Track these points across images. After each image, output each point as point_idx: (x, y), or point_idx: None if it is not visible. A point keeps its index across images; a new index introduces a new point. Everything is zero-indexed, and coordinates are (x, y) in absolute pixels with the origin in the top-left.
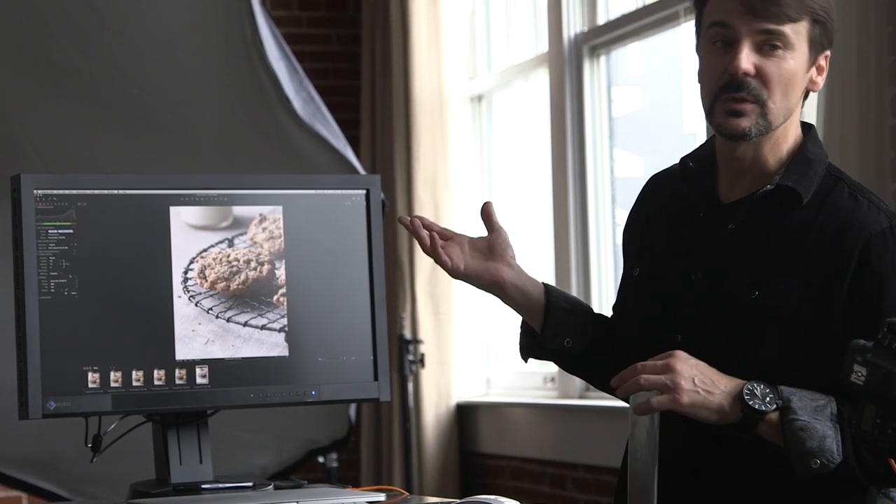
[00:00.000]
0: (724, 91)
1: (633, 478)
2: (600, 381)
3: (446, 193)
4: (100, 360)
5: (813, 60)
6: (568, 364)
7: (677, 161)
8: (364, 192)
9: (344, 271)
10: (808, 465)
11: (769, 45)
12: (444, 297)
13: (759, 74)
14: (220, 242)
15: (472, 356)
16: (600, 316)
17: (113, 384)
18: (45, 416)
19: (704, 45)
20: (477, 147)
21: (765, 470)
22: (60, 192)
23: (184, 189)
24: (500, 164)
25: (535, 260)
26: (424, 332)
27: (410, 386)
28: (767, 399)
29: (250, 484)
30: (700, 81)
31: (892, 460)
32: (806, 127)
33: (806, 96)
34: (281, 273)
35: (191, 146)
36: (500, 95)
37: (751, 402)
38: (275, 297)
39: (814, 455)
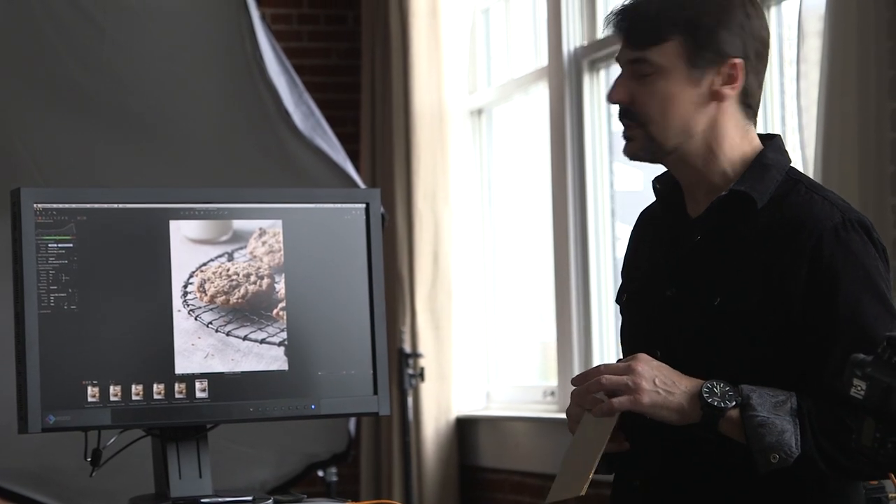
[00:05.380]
0: (619, 118)
1: (571, 461)
2: None
3: (446, 207)
4: (99, 374)
5: (701, 74)
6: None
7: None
8: (364, 205)
9: (343, 285)
10: (767, 460)
11: (640, 71)
12: (443, 311)
13: (634, 101)
14: (220, 256)
15: (472, 370)
16: None
17: (112, 398)
18: (45, 430)
19: None
20: (477, 161)
21: (742, 483)
22: (60, 205)
23: (183, 203)
24: (500, 178)
25: (535, 274)
26: (424, 346)
27: (410, 400)
28: (727, 397)
29: (249, 498)
30: None
31: (893, 474)
32: (769, 136)
33: (751, 107)
34: (280, 287)
35: (190, 159)
36: (499, 109)
37: (710, 400)
38: (274, 311)
39: (772, 450)
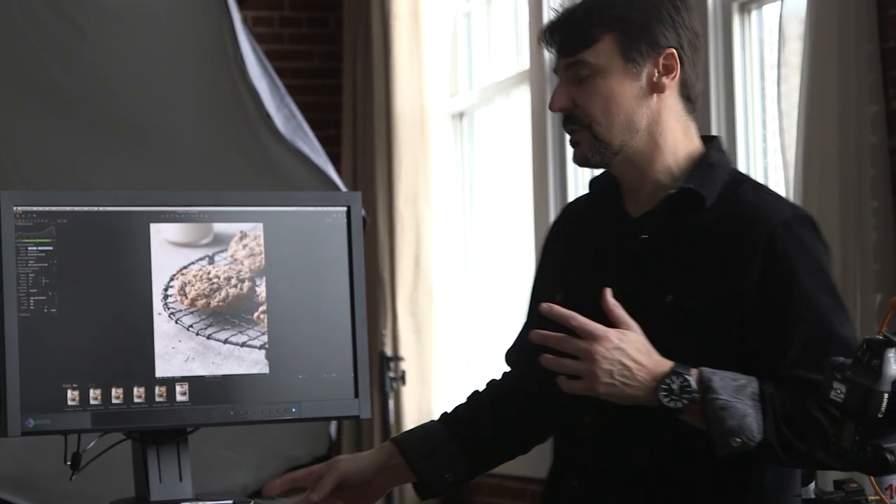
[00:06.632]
0: (563, 126)
1: None
2: (521, 447)
3: (427, 210)
4: (79, 378)
5: (638, 67)
6: (475, 473)
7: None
8: (345, 209)
9: (325, 288)
10: (727, 444)
11: (578, 75)
12: (425, 314)
13: (577, 105)
14: (201, 259)
15: (454, 373)
16: (473, 404)
17: (92, 402)
18: (24, 434)
19: None
20: (458, 164)
21: (681, 483)
22: (40, 208)
23: (164, 206)
24: (482, 181)
25: (516, 277)
26: (405, 349)
27: (391, 403)
28: (685, 393)
29: (230, 501)
30: None
31: (872, 478)
32: (710, 138)
33: (690, 99)
34: (261, 290)
35: (171, 163)
36: (481, 112)
37: (666, 401)
38: (255, 315)
39: (734, 434)
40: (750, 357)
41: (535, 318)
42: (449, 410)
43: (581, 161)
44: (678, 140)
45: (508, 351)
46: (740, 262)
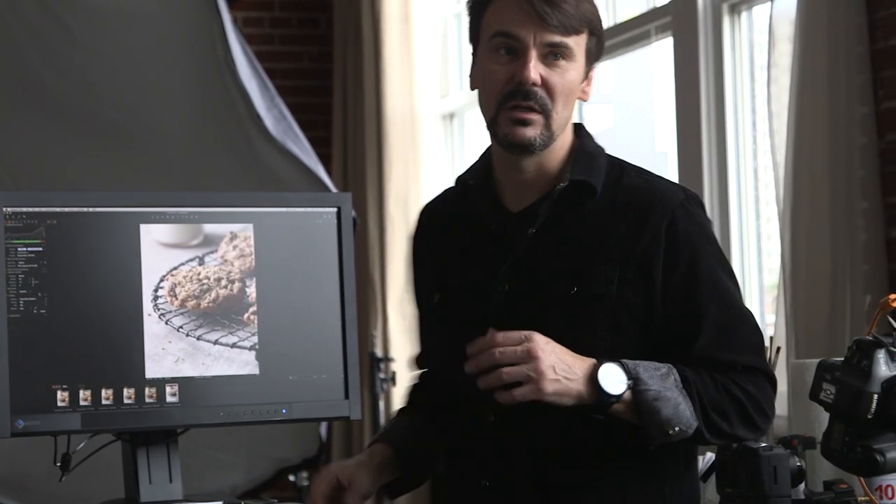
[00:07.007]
0: (510, 99)
1: None
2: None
3: (418, 211)
4: (69, 379)
5: (587, 72)
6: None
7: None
8: (335, 209)
9: (315, 289)
10: (665, 433)
11: (553, 55)
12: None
13: (545, 84)
14: (191, 260)
15: None
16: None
17: (82, 402)
18: (14, 435)
19: (487, 54)
20: (449, 165)
21: (591, 483)
22: (30, 209)
23: (154, 207)
24: None
25: None
26: (396, 350)
27: (382, 404)
28: (619, 381)
29: (220, 503)
30: (481, 90)
31: (862, 479)
32: (578, 126)
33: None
34: (251, 291)
35: (162, 164)
36: (471, 113)
37: (606, 388)
38: (245, 316)
39: (670, 424)
40: (660, 340)
41: (428, 324)
42: (405, 405)
43: (526, 142)
44: (567, 141)
45: (419, 357)
46: (645, 246)
